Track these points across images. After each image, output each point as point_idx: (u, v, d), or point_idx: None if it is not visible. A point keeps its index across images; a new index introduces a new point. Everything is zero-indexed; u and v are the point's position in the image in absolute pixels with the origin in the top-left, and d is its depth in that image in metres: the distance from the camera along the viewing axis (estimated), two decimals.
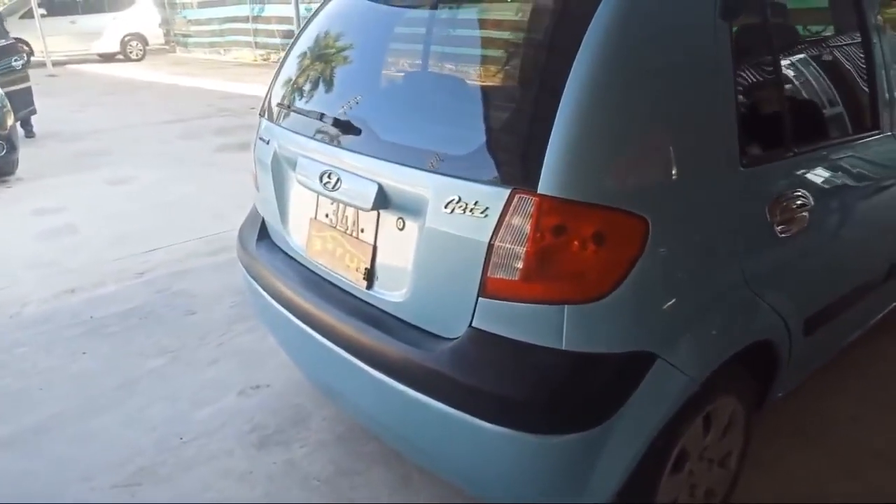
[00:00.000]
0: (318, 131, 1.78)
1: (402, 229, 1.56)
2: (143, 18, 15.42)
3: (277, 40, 14.38)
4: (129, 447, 2.20)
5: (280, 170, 1.95)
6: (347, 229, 1.71)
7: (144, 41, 15.54)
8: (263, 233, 2.12)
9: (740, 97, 1.49)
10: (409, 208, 1.52)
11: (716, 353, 1.49)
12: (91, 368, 2.66)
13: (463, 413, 1.40)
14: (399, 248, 1.57)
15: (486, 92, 1.60)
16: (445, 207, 1.40)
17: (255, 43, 14.98)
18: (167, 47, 17.35)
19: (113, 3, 14.95)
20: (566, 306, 1.31)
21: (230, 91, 10.44)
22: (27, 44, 11.85)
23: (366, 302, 1.67)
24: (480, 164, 1.41)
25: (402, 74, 1.95)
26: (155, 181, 5.39)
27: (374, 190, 1.56)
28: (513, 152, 1.40)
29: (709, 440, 1.65)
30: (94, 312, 3.12)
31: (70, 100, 9.66)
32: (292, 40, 2.10)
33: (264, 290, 1.98)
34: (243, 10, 14.97)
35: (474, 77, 1.68)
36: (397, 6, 1.97)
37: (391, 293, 1.60)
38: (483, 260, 1.35)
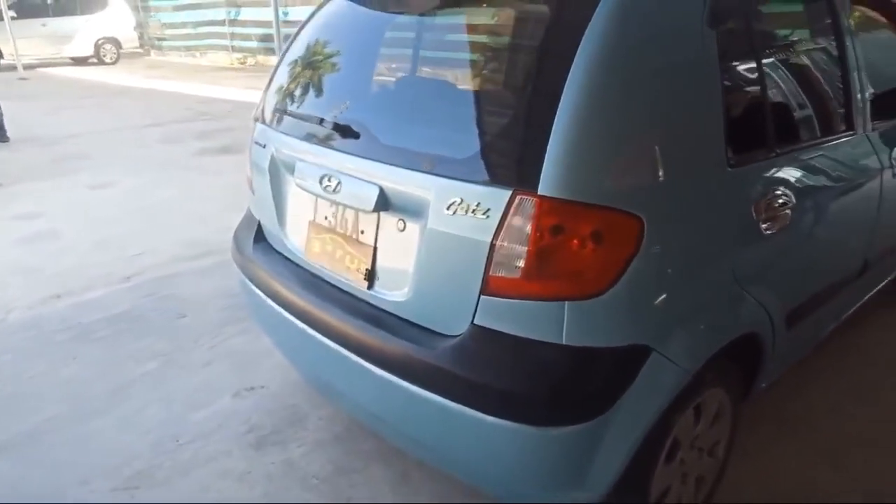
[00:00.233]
0: (318, 135, 1.81)
1: (402, 230, 1.60)
2: (117, 21, 15.23)
3: (254, 44, 14.34)
4: (126, 450, 2.20)
5: (277, 173, 1.98)
6: (347, 231, 1.75)
7: (118, 45, 15.37)
8: (259, 235, 2.14)
9: (726, 101, 1.56)
10: (410, 210, 1.57)
11: (707, 346, 1.56)
12: (82, 373, 2.66)
13: (466, 407, 1.44)
14: (400, 248, 1.61)
15: (485, 96, 1.65)
16: (447, 209, 1.45)
17: (232, 47, 14.90)
18: (141, 51, 17.18)
19: (85, 5, 14.75)
20: (566, 303, 1.37)
21: (208, 95, 10.38)
22: None
23: (367, 302, 1.70)
24: (482, 166, 1.46)
25: (403, 79, 1.98)
26: (136, 185, 5.36)
27: (375, 192, 1.60)
28: (513, 155, 1.45)
29: (699, 430, 1.72)
30: (81, 318, 3.11)
31: (44, 104, 9.54)
32: (286, 45, 2.12)
33: (262, 291, 2.01)
34: (219, 14, 14.89)
35: (474, 82, 1.73)
36: (395, 11, 2.01)
37: (392, 293, 1.64)
38: (485, 259, 1.40)
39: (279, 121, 2.01)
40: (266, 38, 13.70)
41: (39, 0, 14.40)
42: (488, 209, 1.39)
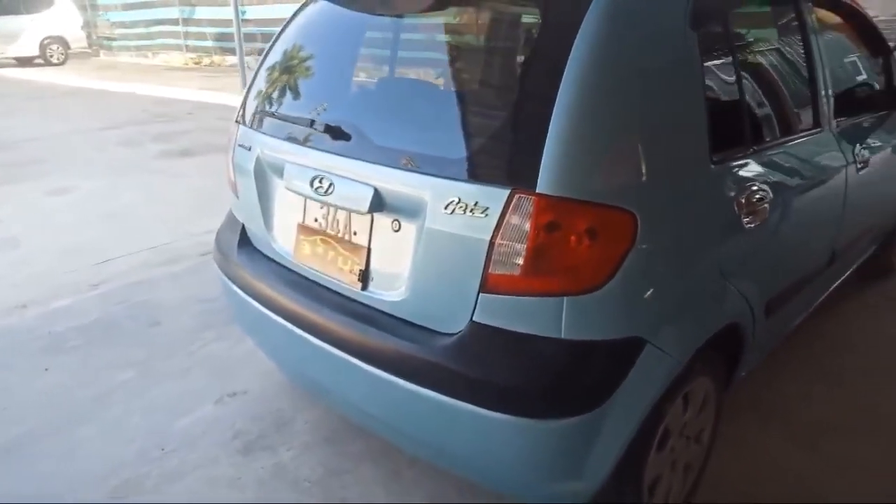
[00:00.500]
0: (309, 137, 1.80)
1: (398, 231, 1.61)
2: (64, 21, 14.77)
3: (209, 43, 14.07)
4: (110, 461, 2.16)
5: (264, 176, 1.97)
6: (339, 232, 1.75)
7: (66, 44, 14.91)
8: (244, 239, 2.12)
9: (708, 100, 1.62)
10: (405, 210, 1.58)
11: (696, 337, 1.62)
12: (58, 384, 2.59)
13: (466, 403, 1.46)
14: (395, 249, 1.62)
15: (481, 98, 1.68)
16: (445, 209, 1.47)
17: (186, 46, 14.59)
18: (90, 51, 16.68)
19: (30, 3, 14.28)
20: (565, 298, 1.40)
21: (164, 96, 10.15)
22: None
23: (361, 303, 1.71)
24: (479, 166, 1.49)
25: (398, 80, 2.00)
26: (96, 190, 5.21)
27: (370, 193, 1.61)
28: (511, 155, 1.48)
29: (687, 418, 1.77)
30: (51, 327, 3.02)
31: None
32: (268, 45, 2.10)
33: (248, 295, 1.99)
34: (172, 13, 14.56)
35: (470, 84, 1.75)
36: (389, 12, 2.02)
37: (387, 293, 1.65)
38: (484, 257, 1.42)
39: (264, 123, 1.99)
40: (222, 38, 13.47)
41: None
42: (487, 208, 1.42)
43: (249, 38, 10.53)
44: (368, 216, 1.66)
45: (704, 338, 1.63)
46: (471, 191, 1.44)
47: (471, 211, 1.44)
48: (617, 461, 1.54)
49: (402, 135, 1.68)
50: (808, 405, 2.46)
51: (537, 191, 1.37)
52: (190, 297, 3.29)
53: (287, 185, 1.85)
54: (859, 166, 2.37)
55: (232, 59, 12.74)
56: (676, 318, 1.56)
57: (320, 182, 1.72)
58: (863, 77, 2.77)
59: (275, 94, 2.03)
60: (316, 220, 1.81)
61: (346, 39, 2.02)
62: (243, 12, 11.78)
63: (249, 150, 2.01)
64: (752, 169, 1.79)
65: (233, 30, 9.29)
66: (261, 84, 2.08)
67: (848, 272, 2.81)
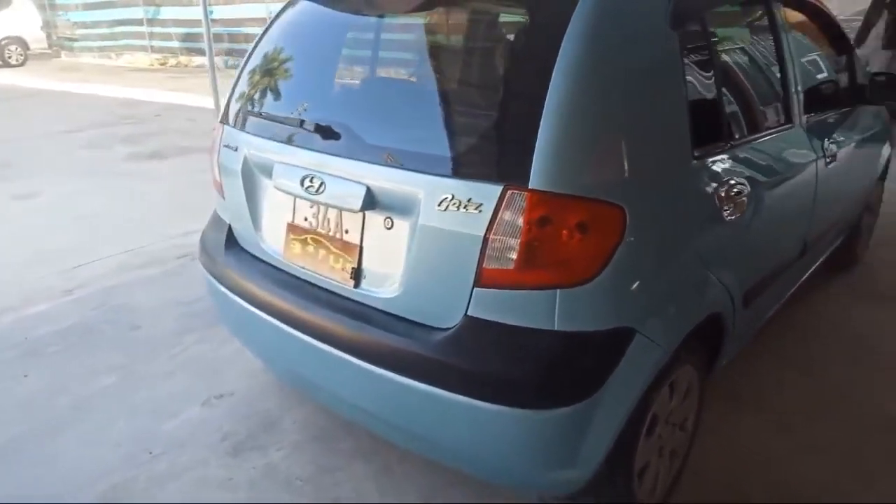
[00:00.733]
0: (298, 136, 1.81)
1: (390, 228, 1.64)
2: (22, 20, 14.38)
3: (175, 44, 13.85)
4: (97, 466, 2.13)
5: (251, 176, 1.97)
6: (330, 231, 1.76)
7: (25, 45, 14.52)
8: (231, 239, 2.12)
9: (689, 97, 1.68)
10: (398, 208, 1.60)
11: (682, 326, 1.68)
12: (38, 390, 2.54)
13: (462, 396, 1.49)
14: (388, 246, 1.65)
15: (473, 96, 1.71)
16: (439, 205, 1.49)
17: (151, 47, 14.33)
18: (51, 52, 16.26)
19: None
20: (558, 290, 1.44)
21: (129, 97, 9.97)
22: None
23: (353, 300, 1.73)
24: (472, 164, 1.52)
25: (390, 79, 2.01)
26: (64, 194, 5.10)
27: (362, 192, 1.62)
28: (503, 152, 1.51)
29: (673, 405, 1.83)
30: (27, 333, 2.96)
31: None
32: (253, 45, 2.10)
33: (236, 295, 1.99)
34: (136, 13, 14.29)
35: (463, 83, 1.78)
36: (381, 11, 2.03)
37: (380, 290, 1.67)
38: (478, 252, 1.46)
39: (252, 123, 1.99)
40: (189, 38, 13.26)
41: None
42: (480, 204, 1.45)
43: (217, 38, 10.39)
44: (360, 214, 1.68)
45: (689, 327, 1.69)
46: (464, 188, 1.47)
47: (464, 207, 1.47)
48: (609, 448, 1.58)
49: (394, 134, 1.70)
50: (781, 392, 2.55)
51: (529, 187, 1.40)
52: (169, 301, 3.26)
53: (276, 184, 1.85)
54: (828, 160, 2.46)
55: (199, 60, 12.57)
56: (664, 308, 1.62)
57: (311, 181, 1.73)
58: (826, 75, 2.87)
59: (262, 95, 2.04)
60: (306, 220, 1.82)
61: (336, 39, 2.03)
62: (211, 12, 11.63)
63: (236, 150, 2.00)
64: (730, 164, 1.86)
65: (199, 30, 9.16)
66: (246, 84, 2.08)
67: (817, 263, 2.91)
